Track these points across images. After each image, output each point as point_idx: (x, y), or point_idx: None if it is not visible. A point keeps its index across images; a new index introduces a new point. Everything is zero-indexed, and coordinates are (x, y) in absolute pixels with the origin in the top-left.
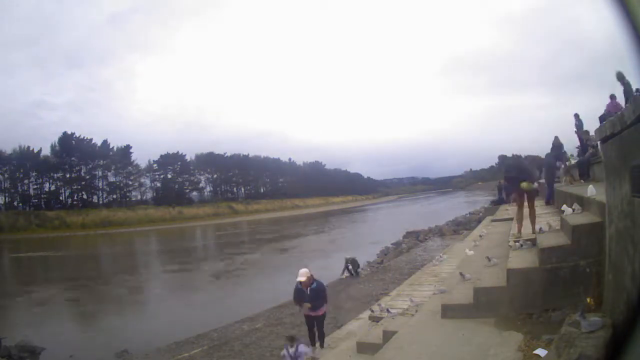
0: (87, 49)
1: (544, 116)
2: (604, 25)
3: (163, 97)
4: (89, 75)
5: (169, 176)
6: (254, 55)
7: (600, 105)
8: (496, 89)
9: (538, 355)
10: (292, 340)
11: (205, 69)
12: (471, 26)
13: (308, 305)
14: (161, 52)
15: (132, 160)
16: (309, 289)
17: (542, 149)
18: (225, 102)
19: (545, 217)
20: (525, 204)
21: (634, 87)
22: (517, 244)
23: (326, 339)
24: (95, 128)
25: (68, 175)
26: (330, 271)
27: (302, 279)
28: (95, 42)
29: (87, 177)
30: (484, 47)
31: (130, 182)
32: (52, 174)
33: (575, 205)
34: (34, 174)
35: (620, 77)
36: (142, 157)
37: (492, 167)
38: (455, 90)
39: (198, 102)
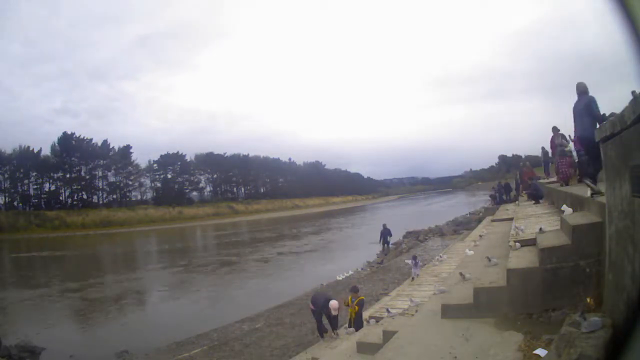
0: (112, 64)
1: (540, 119)
2: (593, 37)
3: (178, 104)
4: (111, 87)
5: (169, 176)
6: (257, 58)
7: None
8: (494, 95)
9: (538, 355)
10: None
11: (215, 76)
12: (470, 41)
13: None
14: (181, 68)
15: (132, 160)
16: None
17: (538, 149)
18: (229, 104)
19: (546, 217)
20: None
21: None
22: (517, 244)
23: (326, 338)
24: (113, 133)
25: (68, 175)
26: (330, 270)
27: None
28: (121, 59)
29: (87, 177)
30: (480, 60)
31: (130, 182)
32: (52, 174)
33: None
34: (34, 174)
35: None
36: (142, 157)
37: (492, 167)
38: (455, 95)
39: (208, 107)
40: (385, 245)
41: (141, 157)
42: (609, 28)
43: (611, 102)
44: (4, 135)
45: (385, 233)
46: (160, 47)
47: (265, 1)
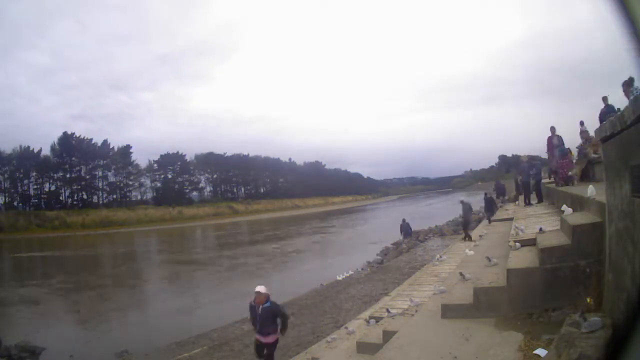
0: (132, 76)
1: (538, 120)
2: (581, 49)
3: (188, 109)
4: (130, 96)
5: (169, 176)
6: (262, 63)
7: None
8: (493, 99)
9: (538, 355)
10: None
11: (222, 83)
12: (469, 49)
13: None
14: (195, 78)
15: (132, 160)
16: (261, 307)
17: (538, 148)
18: (235, 107)
19: (546, 217)
20: None
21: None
22: (517, 244)
23: (326, 339)
24: (121, 136)
25: (68, 175)
26: (330, 270)
27: (261, 290)
28: (141, 72)
29: (87, 177)
30: (480, 67)
31: (130, 182)
32: (52, 174)
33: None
34: (34, 174)
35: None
36: (142, 157)
37: (492, 167)
38: (455, 98)
39: (215, 110)
40: (407, 237)
41: (141, 157)
42: (594, 41)
43: (591, 106)
44: (23, 138)
45: (406, 227)
46: (179, 62)
47: (270, 17)
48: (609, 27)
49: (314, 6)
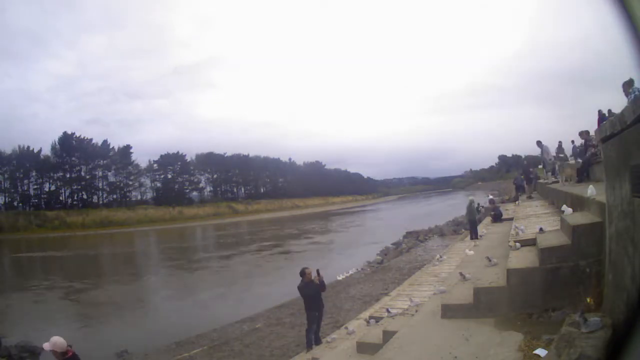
0: (147, 86)
1: (536, 122)
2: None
3: (196, 113)
4: (144, 103)
5: (169, 176)
6: (259, 57)
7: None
8: (492, 104)
9: (538, 355)
10: None
11: (227, 88)
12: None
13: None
14: (206, 87)
15: (132, 160)
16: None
17: (536, 148)
18: (231, 103)
19: (546, 217)
20: None
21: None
22: (517, 244)
23: (326, 339)
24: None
25: (68, 175)
26: (330, 270)
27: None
28: (156, 83)
29: (87, 177)
30: (476, 73)
31: (130, 182)
32: (52, 174)
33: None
34: (34, 174)
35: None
36: (142, 157)
37: (492, 167)
38: (453, 101)
39: (219, 113)
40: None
41: (144, 158)
42: (593, 44)
43: (577, 111)
44: (28, 140)
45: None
46: (191, 72)
47: (275, 26)
48: (609, 29)
49: (315, 12)
